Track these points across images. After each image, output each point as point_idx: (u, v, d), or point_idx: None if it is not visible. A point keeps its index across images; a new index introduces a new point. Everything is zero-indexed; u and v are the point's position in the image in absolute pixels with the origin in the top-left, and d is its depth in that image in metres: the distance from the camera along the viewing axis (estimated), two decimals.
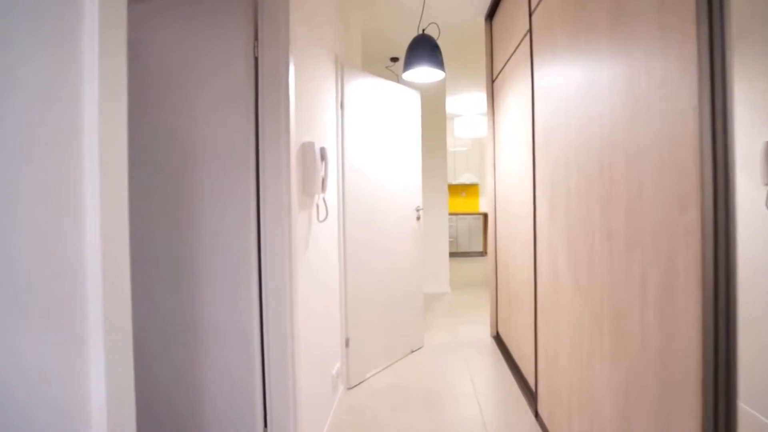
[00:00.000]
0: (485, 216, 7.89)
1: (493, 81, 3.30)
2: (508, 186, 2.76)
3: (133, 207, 1.61)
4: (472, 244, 7.62)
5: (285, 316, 1.52)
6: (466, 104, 6.60)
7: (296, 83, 1.61)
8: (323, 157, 1.81)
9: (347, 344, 2.42)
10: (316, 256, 1.90)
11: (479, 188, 8.14)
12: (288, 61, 1.49)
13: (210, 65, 1.54)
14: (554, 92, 1.75)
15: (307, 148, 1.71)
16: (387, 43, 3.88)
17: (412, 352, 3.03)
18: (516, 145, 2.50)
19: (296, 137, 1.61)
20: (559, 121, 1.71)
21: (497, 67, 3.07)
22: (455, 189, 8.16)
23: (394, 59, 4.21)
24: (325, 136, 2.07)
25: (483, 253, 7.67)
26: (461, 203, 8.20)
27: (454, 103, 6.49)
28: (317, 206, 1.93)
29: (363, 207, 2.52)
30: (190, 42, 1.55)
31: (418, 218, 3.08)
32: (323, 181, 1.82)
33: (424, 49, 2.50)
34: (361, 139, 2.51)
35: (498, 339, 3.23)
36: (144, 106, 1.59)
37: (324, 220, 1.98)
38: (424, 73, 2.67)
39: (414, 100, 3.04)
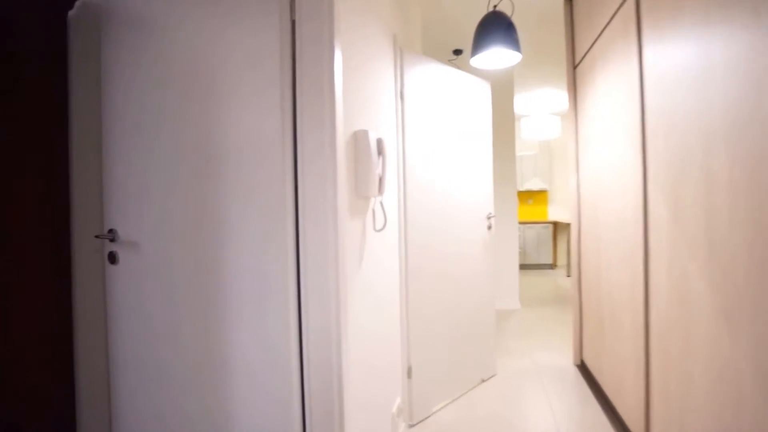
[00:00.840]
0: (555, 225, 7.15)
1: (574, 67, 2.80)
2: (598, 189, 2.24)
3: (151, 215, 1.37)
4: (540, 255, 6.92)
5: (330, 355, 1.18)
6: (533, 103, 6.02)
7: (343, 56, 1.30)
8: (380, 150, 1.47)
9: (409, 374, 2.05)
10: (370, 274, 1.55)
11: (548, 195, 7.43)
12: (332, 25, 1.17)
13: (234, 31, 1.26)
14: (680, 71, 1.28)
15: (359, 139, 1.38)
16: (449, 34, 3.51)
17: (483, 381, 2.58)
18: (612, 140, 1.99)
19: (345, 123, 1.29)
20: (688, 106, 1.23)
21: (581, 49, 2.58)
22: (522, 196, 7.52)
23: (458, 52, 3.82)
24: (381, 127, 1.73)
25: (552, 266, 6.93)
26: (528, 211, 7.53)
27: (519, 102, 5.94)
28: (373, 212, 1.59)
29: (427, 213, 2.15)
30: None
31: (490, 227, 2.65)
32: (380, 180, 1.48)
33: (498, 27, 2.10)
34: (423, 136, 2.15)
35: (583, 368, 2.68)
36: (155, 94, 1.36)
37: (382, 229, 1.64)
38: (495, 58, 2.26)
39: (484, 92, 2.63)
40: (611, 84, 2.00)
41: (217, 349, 1.31)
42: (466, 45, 3.70)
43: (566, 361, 2.90)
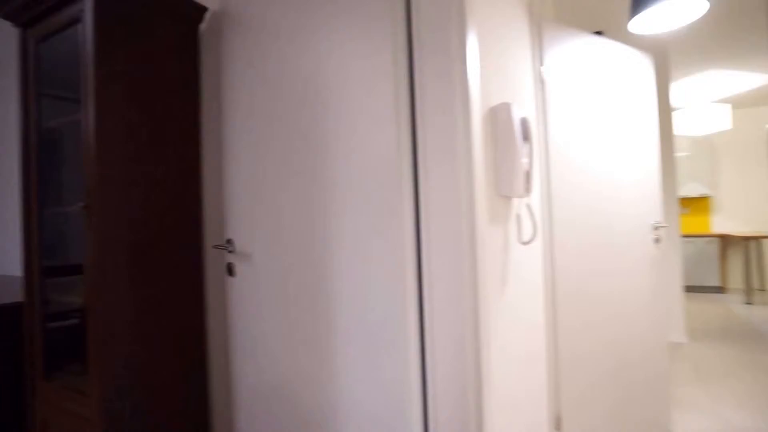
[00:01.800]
0: (723, 238, 5.66)
1: None
2: None
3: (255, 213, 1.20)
4: (704, 276, 5.53)
5: (467, 420, 0.83)
6: (690, 91, 4.89)
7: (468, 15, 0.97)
8: (527, 134, 1.10)
9: (558, 426, 1.57)
10: (515, 303, 1.17)
11: (711, 202, 5.96)
12: None
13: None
14: None
15: (500, 117, 1.03)
16: (587, 14, 2.94)
17: None
18: None
19: (480, 95, 0.96)
20: None
21: None
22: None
23: (598, 33, 3.20)
24: (522, 104, 1.35)
25: (721, 289, 5.47)
26: (685, 222, 6.14)
27: (672, 91, 4.87)
28: (518, 217, 1.21)
29: (577, 222, 1.66)
30: None
31: (657, 240, 2.01)
32: (527, 175, 1.10)
33: None
34: (570, 125, 1.68)
35: None
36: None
37: (530, 241, 1.24)
38: (662, 19, 1.70)
39: (646, 69, 2.04)
40: None
41: (332, 397, 1.06)
42: (608, 24, 3.07)
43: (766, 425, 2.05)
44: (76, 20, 1.28)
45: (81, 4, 1.25)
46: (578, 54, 1.75)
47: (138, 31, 1.34)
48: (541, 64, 1.60)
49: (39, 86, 1.48)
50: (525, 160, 1.07)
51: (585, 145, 1.73)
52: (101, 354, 1.19)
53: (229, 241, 1.40)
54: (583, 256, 1.67)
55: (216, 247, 1.41)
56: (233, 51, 1.41)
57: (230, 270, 1.39)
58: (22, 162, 1.49)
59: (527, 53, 1.54)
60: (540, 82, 1.61)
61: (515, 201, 1.19)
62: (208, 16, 1.55)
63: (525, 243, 1.23)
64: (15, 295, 1.67)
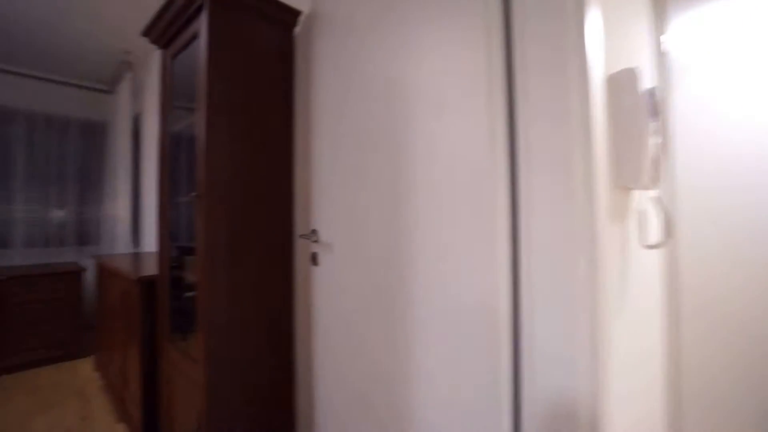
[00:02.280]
0: None
1: None
2: None
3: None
4: None
5: None
6: None
7: None
8: (655, 109, 0.87)
9: None
10: (634, 324, 0.94)
11: None
12: None
13: None
14: None
15: (620, 85, 0.83)
16: None
17: None
18: None
19: (600, 59, 0.78)
20: None
21: None
22: None
23: None
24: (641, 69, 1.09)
25: None
26: None
27: None
28: (641, 214, 0.98)
29: (722, 222, 1.29)
30: None
31: None
32: (655, 161, 0.88)
33: None
34: (710, 100, 1.32)
35: None
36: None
37: (659, 245, 0.99)
38: None
39: None
40: None
41: (409, 412, 0.98)
42: None
43: None
44: (196, 34, 1.43)
45: (200, 19, 1.40)
46: (716, 16, 1.37)
47: (242, 37, 1.44)
48: (663, 32, 1.29)
49: (173, 99, 1.70)
50: (653, 143, 0.85)
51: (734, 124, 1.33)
52: (205, 326, 1.30)
53: (313, 232, 1.41)
54: (727, 266, 1.29)
55: (302, 236, 1.44)
56: (322, 51, 1.43)
57: (314, 259, 1.41)
58: (159, 161, 1.73)
59: (646, 18, 1.26)
60: (662, 53, 1.29)
61: (637, 194, 0.96)
62: (301, 19, 1.60)
63: (652, 246, 0.98)
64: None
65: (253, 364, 1.43)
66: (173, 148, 1.69)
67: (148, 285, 1.78)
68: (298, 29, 1.61)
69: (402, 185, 1.07)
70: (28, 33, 2.83)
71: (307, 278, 1.49)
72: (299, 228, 1.54)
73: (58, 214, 3.60)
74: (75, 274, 3.00)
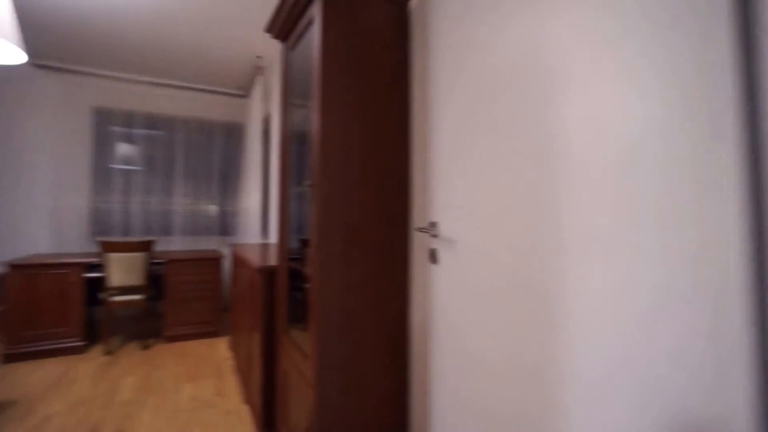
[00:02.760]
0: None
1: None
2: None
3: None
4: None
5: None
6: None
7: None
8: None
9: None
10: None
11: None
12: None
13: None
14: None
15: None
16: None
17: None
18: None
19: None
20: None
21: None
22: None
23: None
24: None
25: None
26: None
27: None
28: None
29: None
30: None
31: None
32: None
33: None
34: None
35: None
36: None
37: None
38: None
39: None
40: None
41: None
42: None
43: None
44: (312, 20, 1.37)
45: (314, 4, 1.33)
46: None
47: (355, 15, 1.33)
48: None
49: (292, 94, 1.70)
50: None
51: None
52: (317, 322, 1.23)
53: (432, 224, 1.24)
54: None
55: (419, 230, 1.28)
56: (438, 31, 1.24)
57: (433, 256, 1.23)
58: (280, 153, 1.75)
59: None
60: None
61: None
62: None
63: None
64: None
65: (366, 369, 1.32)
66: (297, 145, 1.69)
67: (269, 274, 1.83)
68: (414, 2, 1.45)
69: (558, 175, 0.83)
70: (184, 52, 3.26)
71: (424, 277, 1.33)
72: (416, 220, 1.39)
73: (206, 207, 4.13)
74: (216, 260, 3.38)
